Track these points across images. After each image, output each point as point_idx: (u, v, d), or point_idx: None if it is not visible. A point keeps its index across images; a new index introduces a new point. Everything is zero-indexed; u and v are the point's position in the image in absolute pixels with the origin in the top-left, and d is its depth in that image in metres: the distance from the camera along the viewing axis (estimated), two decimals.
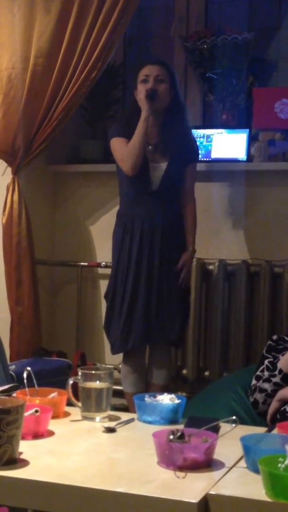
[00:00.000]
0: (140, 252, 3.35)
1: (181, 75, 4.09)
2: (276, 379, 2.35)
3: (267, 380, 2.37)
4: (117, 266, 3.42)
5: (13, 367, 3.20)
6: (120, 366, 3.63)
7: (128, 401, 3.46)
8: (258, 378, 2.40)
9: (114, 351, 3.46)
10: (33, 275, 3.85)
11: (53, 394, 2.01)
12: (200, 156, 3.68)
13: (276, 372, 2.36)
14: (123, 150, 3.33)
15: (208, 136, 4.02)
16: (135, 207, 3.39)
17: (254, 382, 2.42)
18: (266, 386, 2.37)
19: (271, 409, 2.31)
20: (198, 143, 3.71)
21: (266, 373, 2.39)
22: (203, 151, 3.99)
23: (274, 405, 2.31)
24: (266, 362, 2.42)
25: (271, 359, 2.42)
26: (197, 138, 3.97)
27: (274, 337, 2.52)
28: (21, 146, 3.76)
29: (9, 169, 3.86)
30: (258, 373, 2.43)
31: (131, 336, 3.36)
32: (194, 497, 1.40)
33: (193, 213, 3.46)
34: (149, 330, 3.36)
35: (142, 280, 3.35)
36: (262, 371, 2.41)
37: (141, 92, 3.33)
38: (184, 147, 3.44)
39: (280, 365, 2.36)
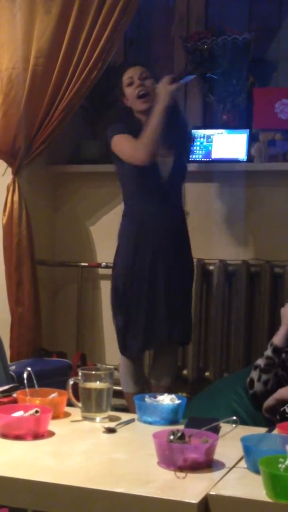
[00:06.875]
0: (155, 250, 3.31)
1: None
2: (268, 352, 2.40)
3: (261, 356, 2.44)
4: (132, 264, 3.32)
5: (13, 367, 3.20)
6: (119, 365, 3.63)
7: (127, 401, 3.46)
8: (255, 367, 2.45)
9: (134, 352, 3.37)
10: (34, 275, 3.85)
11: (53, 395, 2.01)
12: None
13: (268, 345, 2.40)
14: (133, 143, 3.26)
15: (208, 137, 4.02)
16: (146, 205, 3.33)
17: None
18: (259, 361, 2.43)
19: (268, 402, 2.31)
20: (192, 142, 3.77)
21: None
22: (203, 151, 3.99)
23: (271, 401, 2.31)
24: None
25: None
26: (197, 138, 3.98)
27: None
28: (21, 146, 3.76)
29: (9, 169, 3.86)
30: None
31: (153, 337, 3.32)
32: (194, 498, 1.40)
33: None
34: (169, 330, 3.33)
35: (160, 278, 3.30)
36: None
37: (130, 94, 3.36)
38: (184, 141, 3.48)
39: (273, 339, 2.40)
